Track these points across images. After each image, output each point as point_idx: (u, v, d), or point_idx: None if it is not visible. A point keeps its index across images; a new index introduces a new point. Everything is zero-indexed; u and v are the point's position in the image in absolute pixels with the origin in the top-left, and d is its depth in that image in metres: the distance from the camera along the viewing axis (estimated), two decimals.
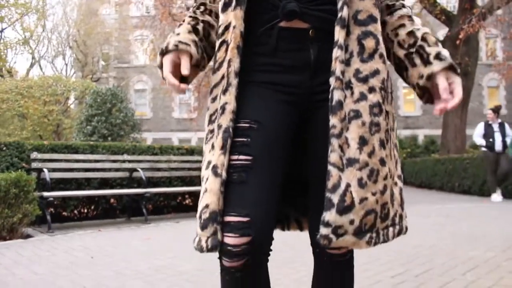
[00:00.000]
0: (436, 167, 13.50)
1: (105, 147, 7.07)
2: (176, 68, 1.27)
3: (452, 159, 12.58)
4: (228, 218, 1.15)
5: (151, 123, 31.35)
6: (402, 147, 25.15)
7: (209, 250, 1.14)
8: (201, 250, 1.16)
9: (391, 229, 1.25)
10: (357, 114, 1.19)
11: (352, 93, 1.20)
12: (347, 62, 1.21)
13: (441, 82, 1.24)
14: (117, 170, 6.89)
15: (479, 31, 15.66)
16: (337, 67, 1.19)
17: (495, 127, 9.59)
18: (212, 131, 1.25)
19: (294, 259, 3.45)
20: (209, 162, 1.21)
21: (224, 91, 1.23)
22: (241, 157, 1.19)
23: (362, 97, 1.20)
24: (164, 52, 1.28)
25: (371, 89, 1.21)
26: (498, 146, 9.36)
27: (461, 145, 16.33)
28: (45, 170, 5.90)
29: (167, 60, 1.26)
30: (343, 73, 1.19)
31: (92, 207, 7.20)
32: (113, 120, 15.47)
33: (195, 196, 7.92)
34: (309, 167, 1.30)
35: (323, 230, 1.13)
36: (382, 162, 1.21)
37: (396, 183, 1.28)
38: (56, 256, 4.09)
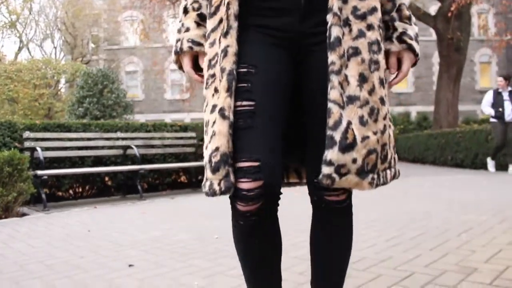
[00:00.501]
0: (429, 141, 13.58)
1: (98, 125, 7.04)
2: (192, 61, 1.36)
3: (445, 133, 12.64)
4: (240, 164, 1.16)
5: (143, 105, 31.16)
6: (395, 123, 25.24)
7: (223, 192, 1.14)
8: (213, 193, 1.16)
9: (388, 171, 1.25)
10: (356, 51, 1.18)
11: (351, 30, 1.19)
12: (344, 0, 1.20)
13: (391, 60, 1.33)
14: (110, 147, 6.87)
15: (471, 4, 15.60)
16: (334, 3, 1.17)
17: (505, 95, 8.86)
18: (213, 75, 1.24)
19: (291, 227, 3.48)
20: (214, 106, 1.20)
21: (225, 34, 1.21)
22: (244, 102, 1.19)
23: (361, 34, 1.19)
24: (179, 52, 1.35)
25: (370, 27, 1.20)
26: (508, 116, 8.71)
27: (453, 120, 16.40)
28: (38, 149, 5.87)
29: (185, 60, 1.35)
30: (340, 10, 1.18)
31: (87, 187, 7.19)
32: (105, 102, 15.37)
33: (190, 173, 7.94)
34: (306, 111, 1.28)
35: (326, 169, 1.12)
36: (382, 101, 1.21)
37: (390, 125, 1.28)
38: (52, 231, 4.09)
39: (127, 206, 5.80)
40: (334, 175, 1.13)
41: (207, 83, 1.26)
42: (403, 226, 3.56)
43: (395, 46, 1.32)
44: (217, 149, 1.15)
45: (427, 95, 31.00)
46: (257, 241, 1.29)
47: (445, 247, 2.77)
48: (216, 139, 1.16)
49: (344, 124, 1.13)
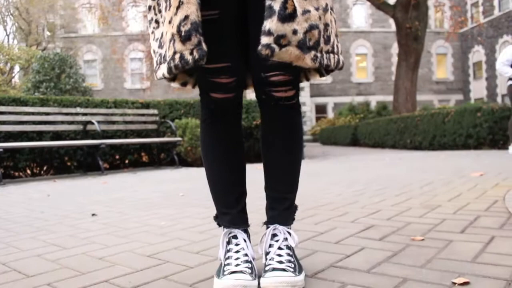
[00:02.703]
0: (389, 126, 13.89)
1: (56, 101, 6.80)
2: None
3: (404, 117, 12.96)
4: (216, 65, 1.22)
5: (102, 94, 30.35)
6: (355, 112, 25.72)
7: (196, 61, 1.10)
8: (185, 64, 1.11)
9: (332, 55, 1.22)
10: None
11: None
12: None
13: None
14: (70, 123, 6.65)
15: None
16: None
17: None
18: (153, 20, 1.27)
19: None
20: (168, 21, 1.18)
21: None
22: (208, 12, 1.19)
23: None
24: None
25: None
26: None
27: (412, 108, 16.82)
28: None
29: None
30: None
31: (45, 167, 6.94)
32: (62, 86, 14.88)
33: (151, 151, 7.81)
34: (251, 14, 1.25)
35: (265, 39, 1.08)
36: None
37: (332, 13, 1.26)
38: (9, 197, 3.93)
39: (88, 179, 5.64)
40: (274, 46, 1.08)
41: (152, 33, 1.28)
42: (368, 182, 3.62)
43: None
44: (186, 17, 1.11)
45: (386, 85, 31.71)
46: (223, 134, 1.32)
47: (409, 194, 2.84)
48: (185, 8, 1.11)
49: None
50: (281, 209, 1.32)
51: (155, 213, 2.61)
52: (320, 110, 31.98)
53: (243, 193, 1.37)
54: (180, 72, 1.30)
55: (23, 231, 2.21)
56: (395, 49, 29.06)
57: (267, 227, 1.32)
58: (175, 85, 1.38)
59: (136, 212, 2.66)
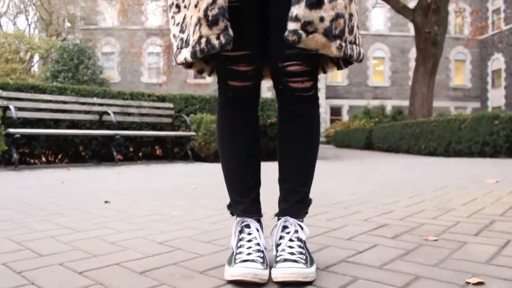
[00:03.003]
0: (404, 131, 13.76)
1: (74, 90, 6.86)
2: None
3: (420, 122, 12.84)
4: (235, 53, 1.22)
5: (119, 87, 30.55)
6: (370, 116, 25.55)
7: (223, 45, 1.11)
8: (212, 48, 1.12)
9: (355, 46, 1.22)
10: None
11: None
12: None
13: None
14: (87, 112, 6.72)
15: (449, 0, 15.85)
16: None
17: None
18: (174, 5, 1.27)
19: None
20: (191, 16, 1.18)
21: None
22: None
23: None
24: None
25: None
26: None
27: (427, 113, 16.67)
28: (11, 107, 5.69)
29: None
30: None
31: (60, 156, 7.01)
32: (80, 77, 15.03)
33: (165, 145, 7.85)
34: (271, 3, 1.24)
35: (292, 25, 1.08)
36: None
37: (356, 9, 1.25)
38: (24, 182, 3.98)
39: (102, 169, 5.69)
40: (300, 32, 1.08)
41: (172, 18, 1.28)
42: (381, 184, 3.60)
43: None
44: (214, 2, 1.12)
45: (402, 89, 31.45)
46: (240, 122, 1.32)
47: (422, 197, 2.81)
48: None
49: None
50: (294, 202, 1.31)
51: (167, 203, 2.62)
52: (335, 112, 31.86)
53: (257, 183, 1.36)
54: (198, 59, 1.31)
55: (37, 214, 2.23)
56: (413, 53, 28.81)
57: (278, 219, 1.31)
58: (191, 70, 1.38)
59: (148, 202, 2.67)
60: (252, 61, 1.26)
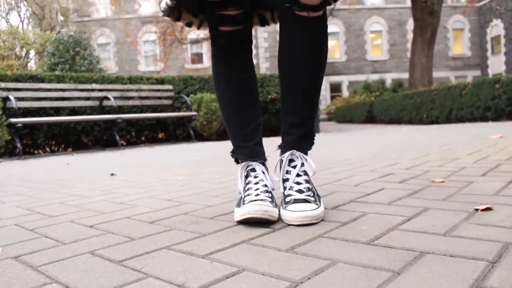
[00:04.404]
0: (405, 102, 13.71)
1: (72, 78, 6.84)
2: None
3: (420, 92, 12.78)
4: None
5: None
6: (370, 90, 25.44)
7: None
8: None
9: None
10: None
11: None
12: None
13: None
14: (87, 99, 6.70)
15: None
16: None
17: None
18: None
19: None
20: None
21: None
22: None
23: None
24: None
25: None
26: None
27: (427, 84, 16.58)
28: (11, 97, 5.68)
29: None
30: None
31: (63, 145, 7.01)
32: (77, 68, 14.97)
33: (167, 127, 7.84)
34: None
35: None
36: None
37: None
38: (30, 167, 3.99)
39: (106, 153, 5.70)
40: None
41: None
42: (386, 145, 3.60)
43: None
44: None
45: (401, 62, 31.26)
46: (234, 67, 1.33)
47: (427, 152, 2.81)
48: None
49: None
50: (298, 135, 1.27)
51: (173, 172, 2.63)
52: (335, 89, 31.71)
53: (259, 126, 1.36)
54: (185, 12, 1.31)
55: (45, 188, 2.25)
56: (410, 25, 28.54)
57: (281, 152, 1.29)
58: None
59: (154, 172, 2.68)
60: (241, 4, 1.27)
